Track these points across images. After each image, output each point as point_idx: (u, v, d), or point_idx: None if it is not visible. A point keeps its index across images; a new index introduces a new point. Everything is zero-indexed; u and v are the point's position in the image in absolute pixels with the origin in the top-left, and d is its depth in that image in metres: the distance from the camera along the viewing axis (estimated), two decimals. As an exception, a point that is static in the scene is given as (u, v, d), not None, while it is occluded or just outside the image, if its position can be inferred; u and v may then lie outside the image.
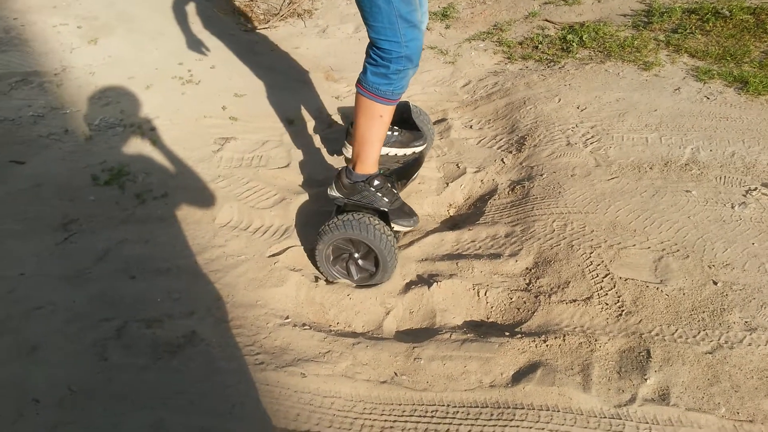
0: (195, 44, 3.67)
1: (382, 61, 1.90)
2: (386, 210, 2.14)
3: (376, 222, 2.08)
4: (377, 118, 2.01)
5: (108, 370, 1.76)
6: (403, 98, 2.38)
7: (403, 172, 2.54)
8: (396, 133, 2.51)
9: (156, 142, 2.82)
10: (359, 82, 1.99)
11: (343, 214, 2.14)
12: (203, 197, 2.50)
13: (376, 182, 2.14)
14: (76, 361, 1.78)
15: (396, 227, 2.20)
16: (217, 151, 2.80)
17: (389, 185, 2.18)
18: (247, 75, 3.51)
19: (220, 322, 1.96)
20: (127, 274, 2.15)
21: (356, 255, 2.18)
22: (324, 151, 2.92)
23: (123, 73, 3.37)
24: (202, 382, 1.73)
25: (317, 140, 3.00)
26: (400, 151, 2.54)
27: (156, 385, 1.71)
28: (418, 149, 2.56)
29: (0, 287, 2.04)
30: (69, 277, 2.12)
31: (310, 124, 3.11)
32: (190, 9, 4.10)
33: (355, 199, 2.16)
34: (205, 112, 3.09)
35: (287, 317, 2.04)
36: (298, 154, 2.87)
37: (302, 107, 3.25)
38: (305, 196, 2.60)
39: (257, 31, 4.20)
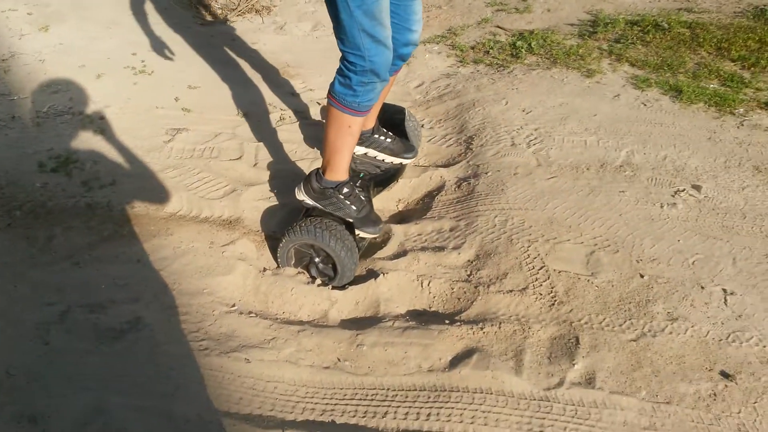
0: (149, 35, 3.65)
1: (347, 72, 1.92)
2: (350, 220, 2.17)
3: (338, 230, 2.10)
4: (345, 128, 2.03)
5: (50, 353, 1.76)
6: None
7: (382, 180, 2.54)
8: (389, 140, 2.52)
9: (105, 131, 2.80)
10: (329, 92, 2.01)
11: (308, 218, 2.15)
12: (152, 186, 2.50)
13: (345, 190, 2.15)
14: (16, 345, 1.77)
15: (360, 234, 2.23)
16: (168, 142, 2.80)
17: (357, 192, 2.19)
18: (202, 68, 3.51)
19: (166, 308, 1.98)
20: (72, 260, 2.14)
21: (317, 259, 2.19)
22: (276, 144, 2.95)
23: (74, 61, 3.33)
24: (145, 366, 1.74)
25: (270, 134, 3.02)
26: (388, 159, 2.56)
27: (98, 369, 1.72)
28: (405, 161, 2.58)
29: (-63, 271, 2.01)
30: (12, 263, 2.10)
31: (264, 118, 3.14)
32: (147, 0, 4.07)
33: (322, 204, 2.17)
34: (157, 103, 3.08)
35: (233, 305, 2.07)
36: (250, 147, 2.89)
37: (257, 101, 3.27)
38: (256, 188, 2.62)
39: (214, 25, 4.20)
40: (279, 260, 2.24)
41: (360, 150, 2.54)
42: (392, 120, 2.60)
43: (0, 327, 1.83)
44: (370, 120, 2.50)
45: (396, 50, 2.11)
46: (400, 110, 2.61)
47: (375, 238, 2.36)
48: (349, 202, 2.17)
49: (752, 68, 3.22)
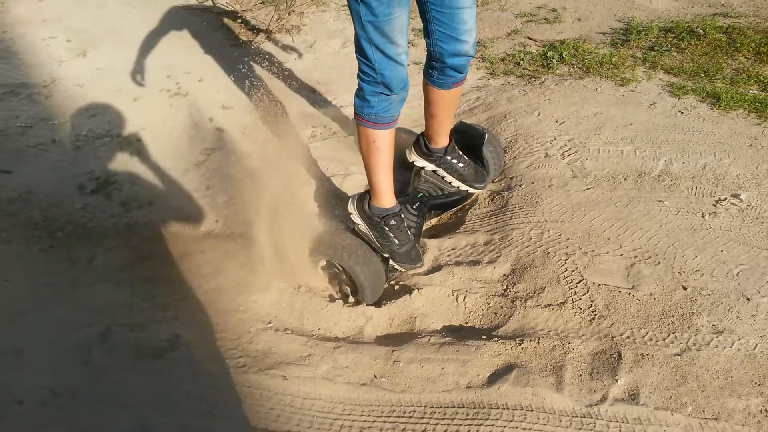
0: (183, 58, 3.73)
1: (360, 83, 1.94)
2: (386, 255, 2.17)
3: (364, 255, 2.10)
4: (371, 144, 2.01)
5: (91, 372, 1.79)
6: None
7: (442, 204, 2.48)
8: (461, 165, 2.42)
9: (142, 152, 2.87)
10: (354, 110, 2.02)
11: (345, 234, 2.18)
12: (188, 206, 2.55)
13: (392, 222, 2.13)
14: (59, 364, 1.81)
15: (395, 266, 2.20)
16: (203, 162, 2.85)
17: (404, 226, 2.16)
18: (235, 88, 3.58)
19: (204, 326, 2.00)
20: (112, 280, 2.18)
21: (343, 277, 2.21)
22: (309, 161, 2.98)
23: (111, 85, 3.43)
24: (184, 384, 1.76)
25: (303, 151, 3.05)
26: (456, 183, 2.45)
27: (139, 387, 1.75)
28: (472, 190, 2.48)
29: (-15, 292, 2.07)
30: (54, 283, 2.15)
31: (297, 135, 3.17)
32: (179, 23, 4.17)
33: (369, 226, 2.17)
34: (192, 124, 3.15)
35: (269, 322, 2.08)
36: (282, 166, 2.91)
37: (289, 119, 3.31)
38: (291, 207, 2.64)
39: (245, 46, 4.28)
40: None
41: (430, 166, 2.47)
42: (471, 142, 2.48)
43: (44, 347, 1.88)
44: (443, 138, 2.38)
45: (444, 60, 2.03)
46: (480, 134, 2.48)
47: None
48: (393, 235, 2.14)
49: (793, 72, 3.13)
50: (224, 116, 3.27)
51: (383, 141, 2.02)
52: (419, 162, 2.48)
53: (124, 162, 2.81)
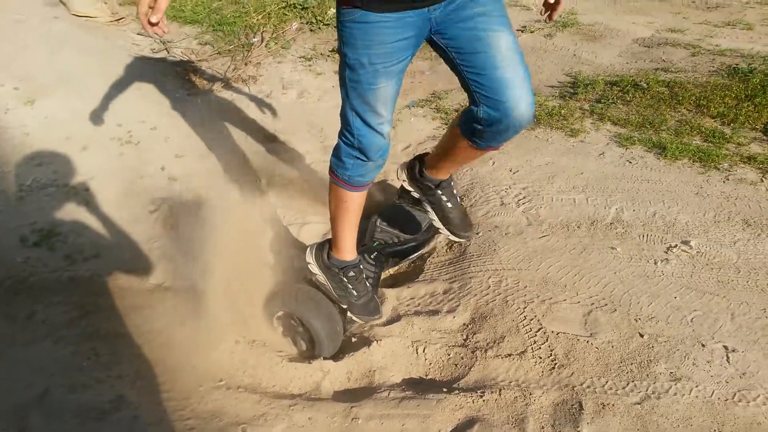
0: (136, 106, 3.66)
1: (339, 142, 1.87)
2: (344, 307, 2.12)
3: (321, 307, 2.07)
4: (341, 203, 1.96)
5: (25, 440, 1.66)
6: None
7: (399, 252, 2.47)
8: (450, 204, 2.23)
9: (89, 202, 2.76)
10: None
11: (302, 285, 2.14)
12: (136, 258, 2.45)
13: (351, 273, 2.09)
14: (-11, 432, 1.67)
15: (355, 319, 2.15)
16: (153, 212, 2.76)
17: (363, 277, 2.13)
18: (189, 137, 3.52)
19: (150, 385, 1.89)
20: (52, 338, 2.06)
21: (299, 329, 2.14)
22: (264, 210, 2.93)
23: (60, 133, 3.31)
24: (127, 450, 1.65)
25: (258, 201, 3.00)
26: (436, 223, 2.24)
27: (77, 455, 1.62)
28: (454, 238, 2.25)
29: None
30: (-12, 342, 2.01)
31: (251, 185, 3.13)
32: (133, 72, 4.11)
33: (327, 276, 2.12)
34: (143, 173, 3.06)
35: (221, 380, 1.98)
36: (236, 215, 2.85)
37: (243, 169, 3.27)
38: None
39: (200, 95, 4.25)
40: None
41: (415, 194, 2.27)
42: None
43: (-27, 413, 1.73)
44: (443, 173, 2.16)
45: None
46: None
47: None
48: (351, 287, 2.09)
49: (732, 124, 3.29)
50: (177, 165, 3.20)
51: (354, 202, 1.97)
52: (407, 185, 2.29)
53: (69, 212, 2.70)
